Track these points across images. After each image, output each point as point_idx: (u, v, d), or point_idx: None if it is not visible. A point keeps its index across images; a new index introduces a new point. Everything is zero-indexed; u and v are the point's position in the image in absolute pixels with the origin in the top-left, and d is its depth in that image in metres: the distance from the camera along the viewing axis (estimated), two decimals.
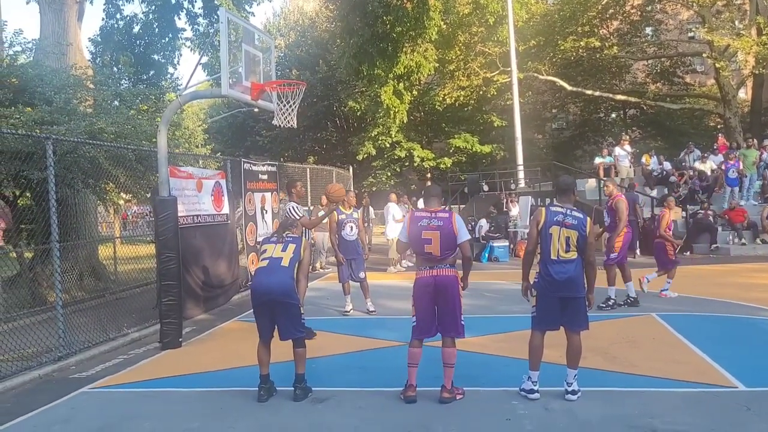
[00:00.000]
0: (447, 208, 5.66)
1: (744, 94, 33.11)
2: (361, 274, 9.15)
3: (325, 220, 8.91)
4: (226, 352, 7.30)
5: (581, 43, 26.78)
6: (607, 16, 28.80)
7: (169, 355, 7.32)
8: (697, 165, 18.67)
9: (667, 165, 19.81)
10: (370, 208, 18.13)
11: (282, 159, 32.55)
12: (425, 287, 5.24)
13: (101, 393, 5.92)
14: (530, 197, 18.51)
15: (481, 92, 29.56)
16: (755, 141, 19.16)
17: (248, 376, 5.75)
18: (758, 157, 17.91)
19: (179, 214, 8.15)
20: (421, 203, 9.85)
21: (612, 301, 8.90)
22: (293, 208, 7.65)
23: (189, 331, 8.36)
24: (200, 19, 19.10)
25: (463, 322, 5.28)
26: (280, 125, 8.26)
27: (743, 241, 15.52)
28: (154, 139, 8.76)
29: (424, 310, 5.27)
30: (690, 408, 4.91)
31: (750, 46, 22.46)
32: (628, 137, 21.52)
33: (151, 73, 19.69)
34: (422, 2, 20.63)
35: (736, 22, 26.16)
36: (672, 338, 7.10)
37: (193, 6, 18.93)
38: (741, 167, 17.18)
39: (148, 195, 10.00)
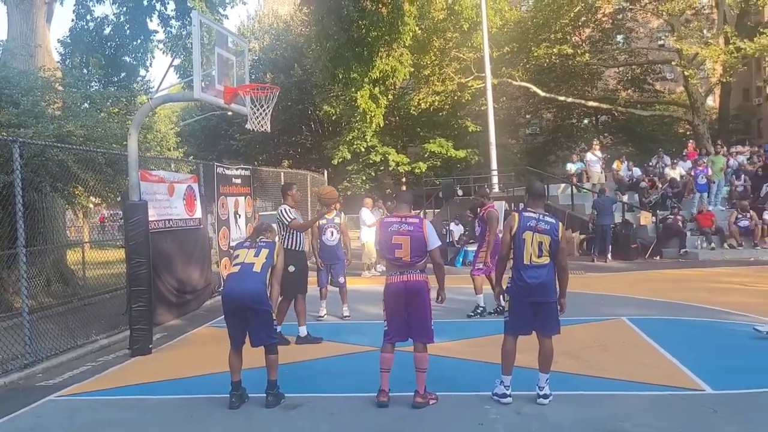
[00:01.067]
0: (420, 214, 5.69)
1: (712, 101, 33.83)
2: (341, 279, 9.12)
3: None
4: (198, 358, 7.21)
5: (554, 49, 27.11)
6: (580, 23, 29.21)
7: (139, 361, 7.20)
8: (668, 171, 18.98)
9: (637, 171, 20.11)
10: (342, 213, 18.06)
11: (256, 163, 32.30)
12: (396, 293, 5.25)
13: (69, 401, 5.79)
14: (504, 202, 18.62)
15: (455, 97, 29.76)
16: (724, 148, 19.57)
17: (220, 382, 5.68)
18: (726, 164, 18.29)
19: (150, 219, 8.03)
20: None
21: (481, 308, 8.94)
22: (285, 210, 7.60)
23: (159, 338, 8.25)
24: (173, 22, 18.90)
25: (432, 327, 5.28)
26: (253, 129, 8.21)
27: (712, 245, 15.81)
28: (124, 142, 8.63)
29: (395, 315, 5.28)
30: (659, 411, 4.98)
31: (718, 54, 22.95)
32: (599, 142, 21.81)
33: (122, 75, 19.41)
34: (397, 7, 20.68)
35: (705, 31, 26.74)
36: (642, 342, 7.19)
37: (165, 8, 18.72)
38: (710, 173, 17.53)
39: (119, 199, 9.86)
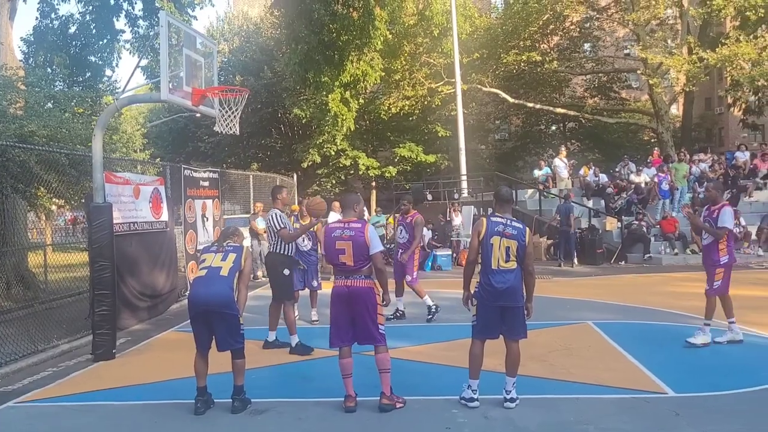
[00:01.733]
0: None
1: (676, 110, 34.59)
2: (314, 283, 9.08)
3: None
4: (162, 363, 7.11)
5: (523, 56, 27.43)
6: (548, 31, 29.61)
7: (102, 367, 7.06)
8: (633, 178, 19.33)
9: (603, 177, 20.43)
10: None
11: (225, 165, 32.01)
12: (339, 297, 5.27)
13: (29, 407, 5.65)
14: (473, 207, 18.77)
15: (425, 102, 29.90)
16: (687, 155, 20.02)
17: (185, 388, 5.60)
18: (689, 171, 18.71)
19: (115, 221, 7.90)
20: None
21: (434, 309, 9.01)
22: (276, 216, 7.38)
23: (123, 342, 8.11)
24: (140, 22, 18.58)
25: (382, 331, 5.27)
26: (222, 131, 8.14)
27: (675, 251, 16.14)
28: (89, 144, 8.47)
29: (337, 320, 5.30)
30: (623, 414, 5.05)
31: (681, 64, 23.48)
32: (566, 148, 22.16)
33: (88, 75, 18.99)
34: (368, 12, 20.68)
35: (669, 41, 27.34)
36: (607, 346, 7.30)
37: (133, 8, 18.39)
38: (671, 180, 17.93)
39: (83, 201, 9.67)
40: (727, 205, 7.33)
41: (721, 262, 7.12)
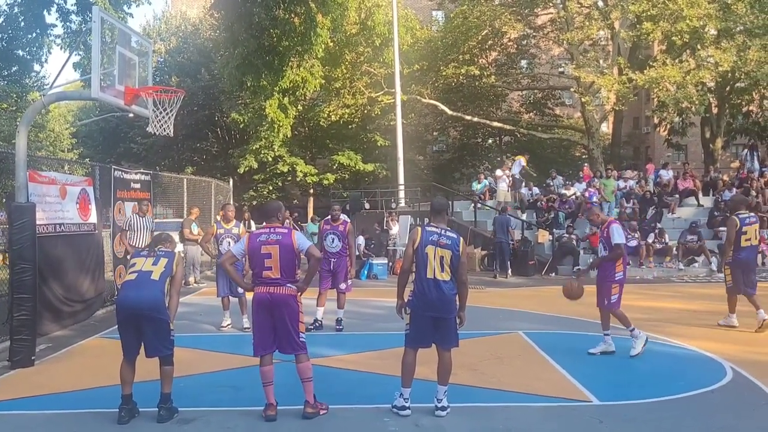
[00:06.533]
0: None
1: (606, 128, 35.92)
2: (240, 289, 8.93)
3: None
4: (84, 371, 6.83)
5: (462, 70, 27.91)
6: (486, 46, 30.25)
7: (20, 374, 6.72)
8: (562, 191, 19.92)
9: (536, 190, 20.97)
10: (251, 222, 17.76)
11: (158, 168, 31.16)
12: (261, 304, 5.21)
13: None
14: (410, 216, 18.92)
15: (365, 111, 30.03)
16: (615, 172, 20.80)
17: (108, 396, 5.40)
18: (616, 187, 19.45)
19: (39, 222, 7.58)
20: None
21: (318, 323, 8.91)
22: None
23: (44, 349, 7.75)
24: (73, 16, 17.90)
25: (303, 339, 5.26)
26: (156, 133, 7.95)
27: None
28: (13, 140, 8.10)
29: (260, 327, 5.25)
30: (550, 421, 5.18)
31: (612, 84, 24.41)
32: (509, 162, 22.66)
33: (14, 69, 18.17)
34: (310, 18, 20.60)
35: (601, 61, 28.41)
36: (536, 355, 7.47)
37: (65, 1, 17.74)
38: (600, 195, 18.58)
39: (4, 200, 9.24)
40: (613, 222, 7.49)
41: (616, 278, 7.38)
